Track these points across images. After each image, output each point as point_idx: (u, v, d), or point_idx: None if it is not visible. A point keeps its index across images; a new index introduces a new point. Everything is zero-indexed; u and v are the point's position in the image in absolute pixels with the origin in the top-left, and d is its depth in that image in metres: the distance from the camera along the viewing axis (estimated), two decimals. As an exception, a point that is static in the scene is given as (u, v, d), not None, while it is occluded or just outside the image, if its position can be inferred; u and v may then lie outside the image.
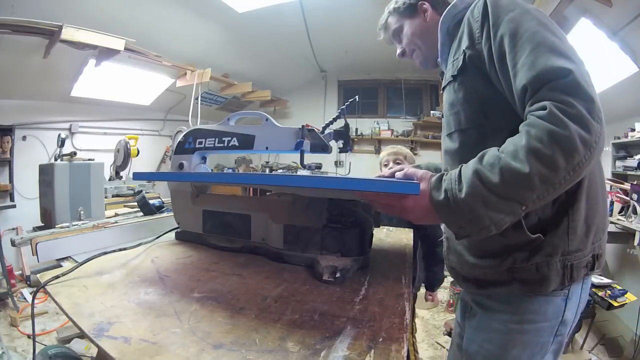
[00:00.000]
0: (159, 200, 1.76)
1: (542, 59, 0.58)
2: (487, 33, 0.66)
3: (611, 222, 2.27)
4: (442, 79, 0.89)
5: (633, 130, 2.88)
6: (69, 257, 1.08)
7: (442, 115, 0.85)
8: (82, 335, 1.15)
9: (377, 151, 5.17)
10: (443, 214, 0.62)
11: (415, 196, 0.62)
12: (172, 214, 1.17)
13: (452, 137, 0.78)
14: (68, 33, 2.49)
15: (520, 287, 0.69)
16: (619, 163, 3.05)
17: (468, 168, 0.60)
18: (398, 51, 0.97)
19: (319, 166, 4.43)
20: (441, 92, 0.88)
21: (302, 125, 0.93)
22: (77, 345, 2.05)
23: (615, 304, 1.89)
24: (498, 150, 0.59)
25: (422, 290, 1.79)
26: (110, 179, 2.45)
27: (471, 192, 0.58)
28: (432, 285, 1.74)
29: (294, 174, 3.81)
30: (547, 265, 0.67)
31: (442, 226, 0.90)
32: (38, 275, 0.76)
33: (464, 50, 0.71)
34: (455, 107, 0.75)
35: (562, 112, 0.53)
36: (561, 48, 0.59)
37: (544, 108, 0.55)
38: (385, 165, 1.73)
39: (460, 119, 0.74)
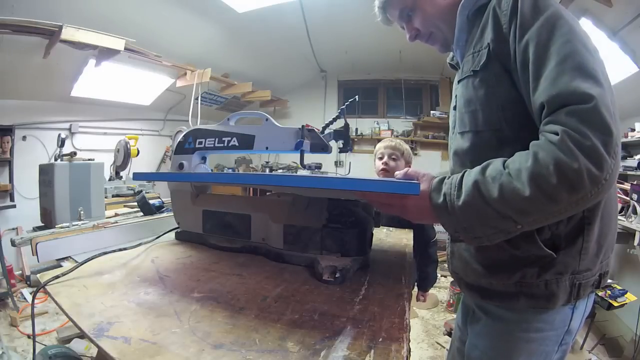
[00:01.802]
0: (159, 200, 1.76)
1: (566, 77, 0.53)
2: (514, 32, 0.60)
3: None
4: (456, 69, 0.81)
5: (633, 130, 2.88)
6: (69, 257, 1.07)
7: (454, 109, 0.78)
8: (82, 335, 1.15)
9: (377, 151, 5.15)
10: (440, 217, 0.61)
11: (416, 196, 0.62)
12: (172, 214, 1.17)
13: (464, 136, 0.73)
14: (68, 33, 2.49)
15: (526, 302, 0.67)
16: (619, 163, 3.04)
17: (470, 177, 0.59)
18: (409, 34, 0.83)
19: (318, 166, 4.43)
20: (456, 84, 0.78)
21: (302, 125, 0.93)
22: (77, 345, 2.05)
23: (615, 304, 1.89)
24: (503, 164, 0.57)
25: (415, 289, 1.77)
26: (110, 179, 2.45)
27: (468, 202, 0.57)
28: (425, 286, 1.72)
29: (294, 173, 3.81)
30: (556, 283, 0.65)
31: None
32: (38, 275, 0.76)
33: (488, 43, 0.65)
34: (473, 105, 0.69)
35: (574, 143, 0.50)
36: (589, 66, 0.53)
37: (556, 133, 0.52)
38: (380, 159, 1.65)
39: (477, 119, 0.69)
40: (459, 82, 0.76)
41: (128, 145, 2.21)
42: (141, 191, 2.15)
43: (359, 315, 0.61)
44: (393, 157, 1.64)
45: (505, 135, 0.65)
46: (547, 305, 0.67)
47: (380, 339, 0.53)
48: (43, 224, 1.74)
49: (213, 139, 1.02)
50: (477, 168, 0.60)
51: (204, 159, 1.10)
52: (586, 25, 2.49)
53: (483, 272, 0.72)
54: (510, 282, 0.68)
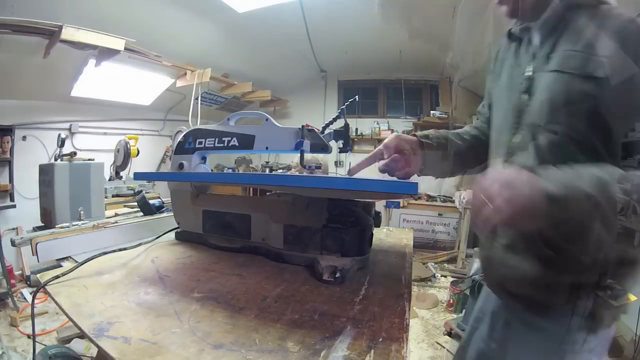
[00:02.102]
0: (159, 200, 1.76)
1: None
2: (619, 64, 0.60)
3: (611, 222, 2.25)
4: (514, 40, 0.78)
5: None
6: (69, 257, 1.07)
7: (524, 93, 0.73)
8: (82, 335, 1.15)
9: (377, 151, 5.15)
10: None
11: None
12: (172, 214, 1.16)
13: (541, 132, 0.70)
14: (68, 33, 2.49)
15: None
16: (619, 163, 3.03)
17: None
18: None
19: (318, 166, 4.43)
20: (530, 69, 0.73)
21: (302, 125, 0.93)
22: (77, 345, 2.06)
23: (616, 304, 1.88)
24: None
25: (416, 289, 1.76)
26: (110, 179, 2.45)
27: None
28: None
29: (296, 174, 3.81)
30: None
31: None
32: (38, 275, 0.76)
33: (584, 49, 0.63)
34: (562, 103, 0.67)
35: None
36: None
37: None
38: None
39: (560, 119, 0.67)
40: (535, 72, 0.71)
41: (128, 145, 2.21)
42: (141, 191, 2.15)
43: (359, 315, 0.61)
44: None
45: (586, 142, 0.67)
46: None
47: (380, 339, 0.53)
48: (43, 224, 1.74)
49: (213, 139, 1.02)
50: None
51: (204, 159, 1.10)
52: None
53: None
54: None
